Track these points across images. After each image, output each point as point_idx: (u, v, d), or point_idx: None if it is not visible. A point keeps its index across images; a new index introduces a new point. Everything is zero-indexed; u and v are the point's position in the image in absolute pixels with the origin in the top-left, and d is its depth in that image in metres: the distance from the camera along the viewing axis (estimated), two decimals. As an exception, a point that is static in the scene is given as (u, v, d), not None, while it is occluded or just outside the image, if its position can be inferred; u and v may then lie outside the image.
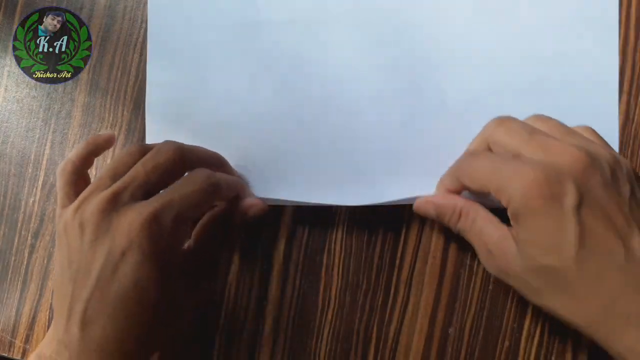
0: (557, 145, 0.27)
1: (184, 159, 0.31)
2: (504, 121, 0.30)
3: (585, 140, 0.28)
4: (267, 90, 0.37)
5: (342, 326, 0.36)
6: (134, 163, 0.30)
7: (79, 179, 0.32)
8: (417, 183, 0.35)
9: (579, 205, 0.26)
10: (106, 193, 0.28)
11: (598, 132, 0.31)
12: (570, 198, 0.26)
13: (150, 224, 0.28)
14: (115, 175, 0.29)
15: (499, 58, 0.35)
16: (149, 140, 0.37)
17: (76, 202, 0.29)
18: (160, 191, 0.30)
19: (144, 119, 0.37)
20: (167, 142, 0.31)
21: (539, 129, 0.29)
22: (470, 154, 0.30)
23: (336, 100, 0.36)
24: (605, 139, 0.31)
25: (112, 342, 0.27)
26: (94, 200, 0.28)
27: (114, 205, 0.28)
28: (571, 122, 0.33)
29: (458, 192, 0.32)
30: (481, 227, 0.30)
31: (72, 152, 0.32)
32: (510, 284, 0.30)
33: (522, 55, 0.35)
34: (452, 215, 0.31)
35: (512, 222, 0.28)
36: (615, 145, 0.35)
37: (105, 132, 0.37)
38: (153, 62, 0.37)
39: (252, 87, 0.37)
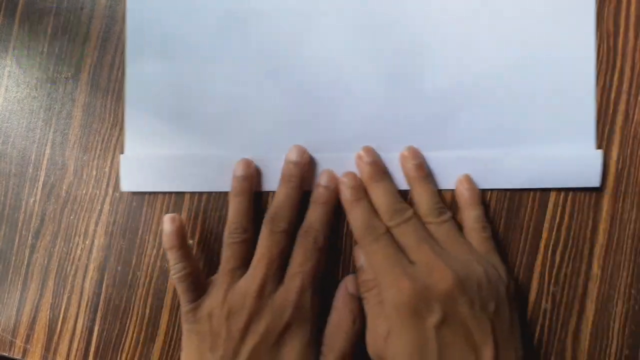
0: (434, 262, 0.31)
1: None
2: (401, 221, 0.33)
3: (465, 257, 0.32)
4: (252, 82, 0.37)
5: (342, 326, 0.36)
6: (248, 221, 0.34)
7: (199, 282, 0.34)
8: (396, 164, 0.36)
9: (441, 324, 0.30)
10: (252, 293, 0.32)
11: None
12: (433, 317, 0.30)
13: (295, 314, 0.32)
14: (237, 266, 0.34)
15: (477, 45, 0.36)
16: (129, 132, 0.37)
17: (219, 290, 0.33)
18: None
19: (144, 119, 0.37)
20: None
21: (432, 233, 0.33)
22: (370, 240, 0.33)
23: (317, 89, 0.36)
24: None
25: None
26: (240, 290, 0.33)
27: (259, 302, 0.32)
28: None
29: None
30: (379, 313, 0.32)
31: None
32: None
33: (500, 42, 0.36)
34: (367, 282, 0.33)
35: (385, 318, 0.31)
36: (592, 132, 0.35)
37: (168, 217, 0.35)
38: (132, 54, 0.37)
39: (236, 78, 0.37)
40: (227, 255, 0.34)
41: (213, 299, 0.33)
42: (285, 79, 0.36)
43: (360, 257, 0.34)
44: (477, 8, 0.36)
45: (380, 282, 0.31)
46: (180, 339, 0.37)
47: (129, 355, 0.37)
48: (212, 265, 0.36)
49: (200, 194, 0.37)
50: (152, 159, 0.37)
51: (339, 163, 0.36)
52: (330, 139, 0.36)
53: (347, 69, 0.36)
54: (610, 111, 0.35)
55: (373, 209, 0.34)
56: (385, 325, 0.31)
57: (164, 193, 0.37)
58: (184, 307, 0.33)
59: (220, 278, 0.33)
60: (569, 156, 0.35)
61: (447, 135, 0.36)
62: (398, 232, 0.33)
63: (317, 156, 0.36)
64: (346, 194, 0.34)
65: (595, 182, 0.35)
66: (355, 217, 0.33)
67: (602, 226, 0.35)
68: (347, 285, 0.34)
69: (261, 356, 0.31)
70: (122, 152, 0.37)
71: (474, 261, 0.31)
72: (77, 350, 0.37)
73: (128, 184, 0.37)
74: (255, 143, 0.36)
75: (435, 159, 0.35)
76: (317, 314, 0.33)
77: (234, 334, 0.32)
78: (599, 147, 0.35)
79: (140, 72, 0.37)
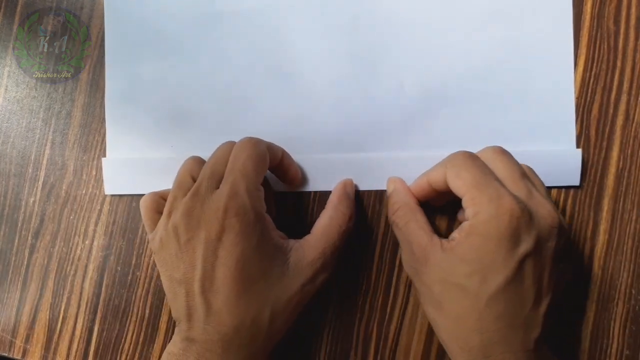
0: (540, 197, 0.29)
1: (232, 142, 0.33)
2: (505, 153, 0.31)
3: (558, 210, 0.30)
4: (226, 81, 0.37)
5: (342, 326, 0.36)
6: (200, 169, 0.32)
7: (160, 206, 0.33)
8: (376, 164, 0.36)
9: (527, 256, 0.28)
10: (189, 194, 0.31)
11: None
12: (525, 246, 0.28)
13: (232, 204, 0.29)
14: (186, 181, 0.32)
15: (456, 45, 0.36)
16: (109, 132, 0.37)
17: (164, 215, 0.32)
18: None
19: (144, 119, 0.37)
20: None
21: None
22: (469, 155, 0.31)
23: (295, 90, 0.36)
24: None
25: (230, 328, 0.29)
26: (179, 205, 0.31)
27: (196, 202, 0.30)
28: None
29: (433, 189, 0.32)
30: (412, 229, 0.31)
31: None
32: (415, 285, 0.32)
33: (478, 41, 0.36)
34: (393, 205, 0.33)
35: (460, 234, 0.29)
36: (572, 131, 0.35)
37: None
38: (111, 53, 0.37)
39: (211, 77, 0.37)
40: None
41: None
42: (267, 80, 0.36)
43: (391, 183, 0.34)
44: (456, 8, 0.36)
45: (475, 196, 0.29)
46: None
47: (128, 356, 0.37)
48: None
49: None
50: (135, 161, 0.37)
51: (322, 164, 0.36)
52: (312, 139, 0.36)
53: (327, 70, 0.36)
54: (611, 111, 0.35)
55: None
56: (452, 242, 0.29)
57: (164, 193, 0.37)
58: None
59: None
60: (548, 155, 0.35)
61: (427, 134, 0.36)
62: (498, 165, 0.30)
63: (299, 157, 0.36)
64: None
65: (575, 180, 0.35)
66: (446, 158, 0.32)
67: (602, 226, 0.35)
68: (345, 185, 0.34)
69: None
70: (104, 156, 0.37)
71: (564, 221, 0.30)
72: (76, 350, 0.37)
73: (111, 187, 0.37)
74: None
75: (414, 159, 0.35)
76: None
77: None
78: (599, 147, 0.35)
79: (121, 72, 0.37)
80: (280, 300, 0.30)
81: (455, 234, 0.30)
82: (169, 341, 0.37)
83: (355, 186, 0.35)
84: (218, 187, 0.31)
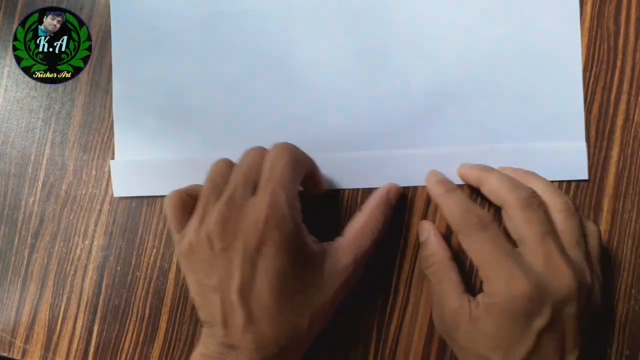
0: (558, 259, 0.29)
1: (264, 149, 0.32)
2: (531, 206, 0.30)
3: (581, 262, 0.30)
4: (232, 80, 0.37)
5: (341, 326, 0.36)
6: (231, 169, 0.31)
7: (186, 205, 0.32)
8: (382, 163, 0.36)
9: (544, 330, 0.28)
10: (222, 200, 0.30)
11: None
12: (541, 320, 0.28)
13: (273, 215, 0.29)
14: (219, 185, 0.31)
15: (462, 42, 0.36)
16: (117, 130, 0.37)
17: (195, 218, 0.30)
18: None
19: (144, 119, 0.37)
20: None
21: (557, 228, 0.30)
22: (480, 227, 0.30)
23: (301, 89, 0.36)
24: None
25: (271, 339, 0.29)
26: (213, 211, 0.30)
27: (232, 210, 0.29)
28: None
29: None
30: (445, 291, 0.32)
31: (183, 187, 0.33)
32: (449, 344, 0.33)
33: (484, 38, 0.36)
34: (427, 259, 0.33)
35: (478, 310, 0.30)
36: (581, 125, 0.35)
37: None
38: (118, 52, 0.37)
39: (217, 77, 0.37)
40: None
41: None
42: (273, 80, 0.36)
43: (425, 231, 0.34)
44: (462, 6, 0.36)
45: (488, 274, 0.29)
46: (179, 339, 0.37)
47: (128, 356, 0.37)
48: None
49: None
50: (143, 163, 0.37)
51: (329, 163, 0.36)
52: (319, 139, 0.36)
53: (332, 69, 0.36)
54: (611, 111, 0.35)
55: (470, 199, 0.32)
56: (477, 311, 0.30)
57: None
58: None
59: None
60: (555, 150, 0.35)
61: (433, 132, 0.36)
62: (521, 219, 0.30)
63: None
64: (436, 189, 0.33)
65: (582, 174, 0.35)
66: (451, 206, 0.31)
67: (602, 226, 0.35)
68: (389, 191, 0.34)
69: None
70: (112, 158, 0.37)
71: (587, 269, 0.30)
72: (76, 350, 0.37)
73: (121, 190, 0.37)
74: (240, 144, 0.35)
75: (421, 156, 0.35)
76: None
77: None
78: (599, 147, 0.35)
79: (128, 73, 0.37)
80: (317, 307, 0.30)
81: (479, 300, 0.30)
82: (169, 341, 0.37)
83: (400, 189, 0.35)
84: (252, 194, 0.30)
